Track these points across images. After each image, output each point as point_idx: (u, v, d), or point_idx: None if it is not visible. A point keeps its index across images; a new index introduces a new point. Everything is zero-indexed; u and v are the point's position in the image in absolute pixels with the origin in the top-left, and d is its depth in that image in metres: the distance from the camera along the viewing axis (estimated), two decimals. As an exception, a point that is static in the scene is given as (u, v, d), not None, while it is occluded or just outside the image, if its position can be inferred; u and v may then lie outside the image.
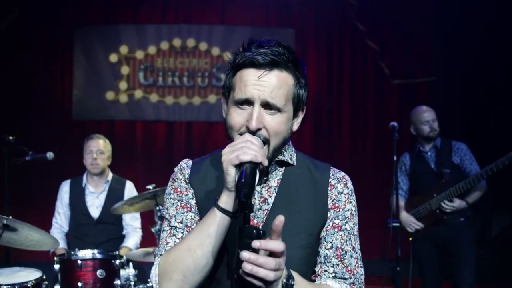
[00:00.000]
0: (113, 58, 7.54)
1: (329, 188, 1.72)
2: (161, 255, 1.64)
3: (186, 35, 7.62)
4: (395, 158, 3.93)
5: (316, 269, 1.69)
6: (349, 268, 1.66)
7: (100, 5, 7.50)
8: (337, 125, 7.70)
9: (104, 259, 3.63)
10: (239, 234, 1.41)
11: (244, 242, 1.38)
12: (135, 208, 4.25)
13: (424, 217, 4.48)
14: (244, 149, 1.45)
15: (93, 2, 7.45)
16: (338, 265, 1.65)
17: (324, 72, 7.61)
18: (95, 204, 4.70)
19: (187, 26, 7.63)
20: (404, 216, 4.54)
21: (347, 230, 1.69)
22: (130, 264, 3.76)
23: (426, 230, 4.48)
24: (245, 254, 1.31)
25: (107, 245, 4.49)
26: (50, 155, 4.24)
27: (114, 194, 4.71)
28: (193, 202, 1.71)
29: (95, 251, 3.67)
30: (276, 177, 1.71)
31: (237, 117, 1.60)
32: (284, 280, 1.45)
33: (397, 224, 3.58)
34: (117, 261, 3.64)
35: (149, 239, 4.59)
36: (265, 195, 1.67)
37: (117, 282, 3.61)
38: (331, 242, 1.67)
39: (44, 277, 3.45)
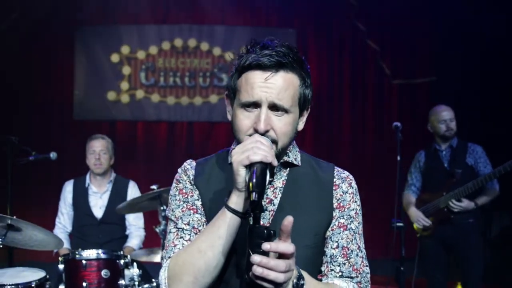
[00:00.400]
0: (115, 58, 7.54)
1: (334, 188, 1.73)
2: (169, 257, 1.64)
3: (187, 35, 7.62)
4: (398, 158, 3.94)
5: (322, 268, 1.70)
6: (355, 267, 1.67)
7: (101, 5, 7.49)
8: (337, 124, 7.71)
9: (109, 259, 3.62)
10: (249, 234, 1.41)
11: (255, 242, 1.38)
12: (140, 208, 4.25)
13: (432, 214, 4.51)
14: (254, 150, 1.46)
15: (94, 2, 7.44)
16: (344, 264, 1.67)
17: (325, 72, 7.61)
18: (98, 204, 4.70)
19: (188, 26, 7.63)
20: (413, 211, 4.59)
21: (352, 229, 1.71)
22: (135, 264, 3.75)
23: (434, 228, 4.50)
24: (256, 258, 1.31)
25: (110, 245, 4.49)
26: (53, 155, 4.24)
27: (117, 194, 4.72)
28: (198, 203, 1.71)
29: (100, 251, 3.66)
30: (281, 178, 1.72)
31: (244, 119, 1.60)
32: (295, 280, 1.46)
33: (401, 224, 3.58)
34: (122, 261, 3.63)
35: (154, 239, 4.60)
36: (270, 196, 1.68)
37: (122, 282, 3.59)
38: (337, 242, 1.69)
39: (47, 277, 3.44)
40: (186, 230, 1.67)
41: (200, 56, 7.65)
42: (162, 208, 3.97)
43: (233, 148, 1.75)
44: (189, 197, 1.72)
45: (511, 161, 4.02)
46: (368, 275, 1.71)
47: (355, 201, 1.74)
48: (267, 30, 7.44)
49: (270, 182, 1.68)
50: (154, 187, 3.99)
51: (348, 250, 1.68)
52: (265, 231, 1.39)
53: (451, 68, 7.15)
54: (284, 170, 1.73)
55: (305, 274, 1.51)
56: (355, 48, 7.69)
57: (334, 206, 1.71)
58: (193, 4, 7.59)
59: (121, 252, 3.72)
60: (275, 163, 1.48)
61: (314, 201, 1.70)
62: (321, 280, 1.69)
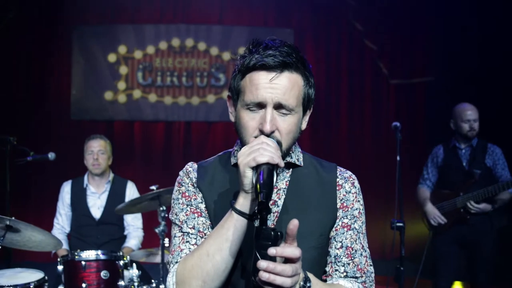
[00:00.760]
0: (112, 58, 7.52)
1: (337, 188, 1.73)
2: (176, 262, 1.63)
3: (185, 35, 7.60)
4: (398, 158, 3.93)
5: (327, 269, 1.70)
6: (359, 266, 1.68)
7: (98, 5, 7.46)
8: (335, 124, 7.71)
9: (108, 259, 3.61)
10: (256, 236, 1.40)
11: (262, 244, 1.37)
12: (139, 208, 4.23)
13: (447, 213, 4.53)
14: (260, 151, 1.45)
15: (91, 2, 7.42)
16: (349, 264, 1.67)
17: (322, 72, 7.61)
18: (96, 204, 4.68)
19: (186, 26, 7.61)
20: (430, 207, 4.62)
21: (356, 229, 1.71)
22: (134, 264, 3.74)
23: (447, 226, 4.51)
24: (262, 263, 1.30)
25: (108, 245, 4.49)
26: (52, 155, 4.23)
27: (116, 195, 4.71)
28: (202, 206, 1.70)
29: (99, 252, 3.65)
30: (284, 179, 1.71)
31: (249, 121, 1.59)
32: (302, 283, 1.46)
33: (401, 224, 3.58)
34: (121, 262, 3.63)
35: (153, 239, 4.59)
36: (274, 198, 1.67)
37: (121, 283, 3.59)
38: (341, 242, 1.69)
39: (46, 278, 3.43)
40: (191, 234, 1.66)
41: (198, 56, 7.63)
42: (161, 208, 3.95)
43: (236, 150, 1.75)
44: (192, 200, 1.70)
45: None
46: (373, 275, 1.72)
47: (358, 201, 1.74)
48: (264, 30, 7.43)
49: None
50: (153, 187, 3.97)
51: (352, 250, 1.68)
52: (272, 233, 1.38)
53: (449, 68, 7.16)
54: (287, 171, 1.72)
55: (311, 276, 1.51)
56: (352, 48, 7.69)
57: (338, 206, 1.71)
58: (191, 4, 7.58)
59: (120, 253, 3.71)
60: (282, 164, 1.47)
61: (318, 202, 1.69)
62: (325, 280, 1.69)
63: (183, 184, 1.74)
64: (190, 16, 7.63)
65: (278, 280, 1.31)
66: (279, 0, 7.56)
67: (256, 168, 1.45)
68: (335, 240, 1.69)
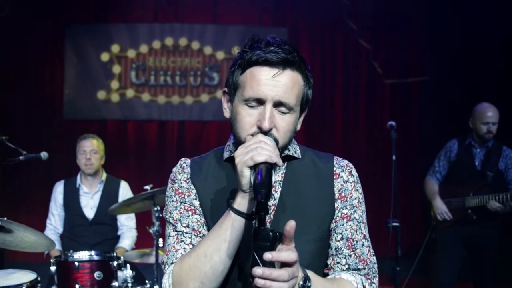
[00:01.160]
0: (105, 57, 7.47)
1: (334, 178, 1.70)
2: (172, 263, 1.59)
3: (178, 34, 7.57)
4: (394, 157, 3.92)
5: (328, 261, 1.67)
6: (361, 258, 1.65)
7: (91, 3, 7.43)
8: (329, 124, 7.70)
9: (102, 260, 3.56)
10: (254, 236, 1.38)
11: (260, 245, 1.35)
12: (133, 208, 4.20)
13: (453, 210, 4.52)
14: (258, 150, 1.42)
15: (84, 1, 7.38)
16: (350, 256, 1.64)
17: (317, 71, 7.59)
18: (89, 204, 4.65)
19: (179, 25, 7.58)
20: (440, 203, 4.59)
21: (356, 219, 1.68)
22: (128, 265, 3.71)
23: (451, 223, 4.50)
24: (258, 270, 1.28)
25: (102, 246, 4.45)
26: (44, 155, 4.17)
27: (109, 194, 4.67)
28: (196, 203, 1.66)
29: (92, 252, 3.61)
30: (279, 171, 1.68)
31: (247, 116, 1.56)
32: (301, 283, 1.43)
33: (396, 224, 3.56)
34: (115, 263, 3.58)
35: (147, 240, 4.55)
36: None
37: (115, 283, 3.55)
38: (341, 233, 1.66)
39: (39, 279, 3.39)
40: (186, 233, 1.62)
41: (191, 55, 7.60)
42: (155, 208, 3.92)
43: (229, 145, 1.72)
44: (186, 197, 1.66)
45: None
46: (376, 265, 1.68)
47: (357, 190, 1.71)
48: (259, 29, 7.41)
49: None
50: (147, 187, 3.94)
51: (353, 241, 1.65)
52: (271, 233, 1.36)
53: (443, 67, 7.17)
54: (282, 163, 1.68)
55: (311, 274, 1.48)
56: (347, 48, 7.69)
57: (336, 197, 1.68)
58: (184, 3, 7.55)
59: (114, 254, 3.67)
60: (280, 163, 1.44)
61: (315, 193, 1.66)
62: (327, 274, 1.66)
63: (176, 180, 1.70)
64: (184, 15, 7.61)
65: (274, 285, 1.28)
66: (274, -1, 7.55)
67: (254, 168, 1.42)
68: (335, 232, 1.66)
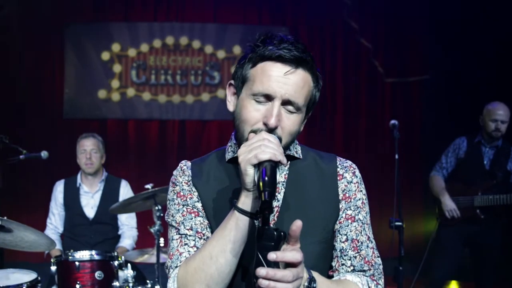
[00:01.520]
0: (105, 56, 7.44)
1: (338, 178, 1.68)
2: (176, 267, 1.56)
3: (179, 33, 7.54)
4: (396, 156, 3.89)
5: (333, 263, 1.65)
6: (366, 259, 1.63)
7: (91, 2, 7.40)
8: (330, 123, 7.68)
9: (103, 260, 3.55)
10: (258, 236, 1.35)
11: (264, 245, 1.33)
12: (134, 208, 4.18)
13: (461, 208, 4.48)
14: (262, 148, 1.39)
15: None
16: (355, 257, 1.62)
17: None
18: (90, 204, 4.63)
19: (180, 24, 7.55)
20: (448, 200, 4.56)
21: (360, 220, 1.66)
22: (129, 265, 3.68)
23: (457, 221, 4.47)
24: (262, 271, 1.25)
25: (102, 245, 4.44)
26: (44, 154, 4.15)
27: (109, 194, 4.66)
28: (199, 205, 1.64)
29: (93, 252, 3.59)
30: (282, 172, 1.66)
31: (253, 111, 1.53)
32: (306, 284, 1.41)
33: (399, 223, 3.54)
34: (116, 262, 3.57)
35: (148, 239, 4.53)
36: None
37: (116, 283, 3.53)
38: (346, 235, 1.64)
39: (39, 278, 3.37)
40: (189, 235, 1.60)
41: (192, 54, 7.57)
42: (156, 208, 3.89)
43: (230, 145, 1.70)
44: (188, 200, 1.64)
45: None
46: (381, 267, 1.67)
47: (361, 190, 1.69)
48: (259, 28, 7.35)
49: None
50: (148, 186, 3.92)
51: (358, 242, 1.63)
52: (275, 233, 1.34)
53: (445, 66, 7.15)
54: (285, 165, 1.67)
55: (316, 275, 1.46)
56: (347, 47, 7.66)
57: (340, 198, 1.66)
58: (185, 1, 7.53)
59: (115, 253, 3.65)
60: (284, 161, 1.41)
61: (319, 194, 1.64)
62: (332, 276, 1.64)
63: (177, 183, 1.68)
64: (184, 14, 7.58)
65: (278, 286, 1.26)
66: (274, -2, 7.53)
67: (258, 166, 1.39)
68: (339, 233, 1.64)
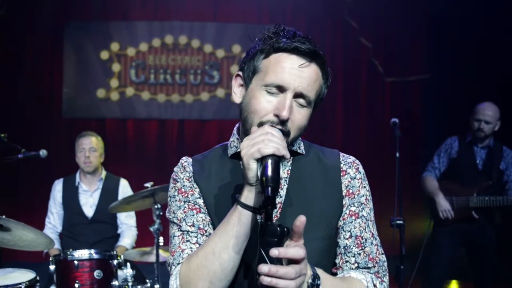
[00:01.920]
0: (104, 55, 7.41)
1: (341, 174, 1.66)
2: (178, 264, 1.54)
3: (178, 32, 7.52)
4: (397, 155, 3.88)
5: (337, 260, 1.63)
6: (371, 256, 1.60)
7: (90, 1, 7.37)
8: (330, 122, 7.66)
9: (102, 259, 3.52)
10: (261, 232, 1.33)
11: (267, 241, 1.31)
12: (133, 206, 4.15)
13: (455, 208, 4.47)
14: (265, 142, 1.37)
15: (83, -2, 7.35)
16: (359, 254, 1.60)
17: (317, 70, 7.56)
18: (89, 202, 4.60)
19: (179, 23, 7.53)
20: (443, 200, 4.54)
21: (364, 216, 1.63)
22: (128, 264, 3.67)
23: (451, 222, 4.46)
24: (264, 268, 1.23)
25: (101, 244, 4.41)
26: (43, 152, 4.13)
27: (108, 192, 4.63)
28: (200, 201, 1.61)
29: (92, 251, 3.57)
30: (285, 168, 1.64)
31: (264, 102, 1.51)
32: (310, 281, 1.38)
33: (400, 222, 3.52)
34: (115, 261, 3.54)
35: (147, 238, 4.51)
36: None
37: (115, 283, 3.50)
38: (349, 231, 1.61)
39: (38, 278, 3.34)
40: (191, 232, 1.57)
41: (191, 53, 7.55)
42: (156, 206, 3.87)
43: (233, 140, 1.68)
44: (189, 196, 1.62)
45: None
46: (385, 264, 1.64)
47: (364, 187, 1.67)
48: (259, 27, 7.29)
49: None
50: (147, 185, 3.89)
51: (362, 239, 1.61)
52: (278, 228, 1.32)
53: (445, 66, 7.14)
54: (288, 160, 1.65)
55: (320, 272, 1.43)
56: (348, 46, 7.64)
57: (344, 194, 1.64)
58: (184, 0, 7.50)
59: (114, 252, 3.63)
60: (288, 155, 1.39)
61: (322, 190, 1.62)
62: (336, 273, 1.61)
63: (178, 180, 1.65)
64: (183, 13, 7.55)
65: (281, 283, 1.24)
66: (274, -3, 7.51)
67: (261, 160, 1.36)
68: (343, 230, 1.62)
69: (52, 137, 7.08)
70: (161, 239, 3.85)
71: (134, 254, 4.16)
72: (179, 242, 1.57)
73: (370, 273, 1.59)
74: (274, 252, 1.24)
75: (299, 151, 1.67)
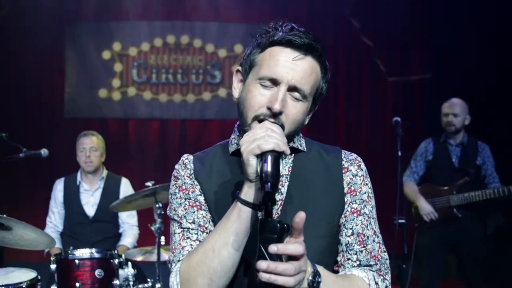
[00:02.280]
0: (106, 55, 7.43)
1: (343, 172, 1.64)
2: (178, 260, 1.53)
3: (180, 32, 7.52)
4: (399, 153, 3.86)
5: (338, 258, 1.61)
6: (373, 254, 1.58)
7: (92, 1, 7.38)
8: (332, 122, 7.66)
9: (103, 258, 3.52)
10: (261, 229, 1.32)
11: (267, 237, 1.29)
12: (134, 205, 4.15)
13: (437, 209, 4.47)
14: (265, 138, 1.36)
15: (85, -2, 7.35)
16: (361, 252, 1.58)
17: (319, 69, 7.55)
18: (90, 202, 4.60)
19: (181, 23, 7.53)
20: (424, 202, 4.56)
21: (366, 214, 1.61)
22: (129, 263, 3.65)
23: (436, 223, 4.45)
24: (262, 264, 1.22)
25: (103, 243, 4.40)
26: (44, 152, 4.12)
27: (110, 192, 4.62)
28: (201, 198, 1.60)
29: (93, 250, 3.56)
30: (286, 165, 1.62)
31: (258, 96, 1.50)
32: (310, 278, 1.36)
33: (403, 221, 3.51)
34: (116, 261, 3.53)
35: (149, 237, 4.50)
36: None
37: (116, 282, 3.49)
38: (351, 229, 1.59)
39: (39, 277, 3.34)
40: (192, 229, 1.56)
41: (193, 53, 7.55)
42: (157, 205, 3.86)
43: (234, 137, 1.66)
44: (190, 193, 1.60)
45: None
46: (388, 261, 1.62)
47: (366, 184, 1.65)
48: (260, 27, 7.33)
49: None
50: (149, 183, 3.88)
51: (364, 236, 1.58)
52: (278, 225, 1.30)
53: (447, 65, 7.13)
54: (289, 157, 1.63)
55: (321, 269, 1.41)
56: (349, 45, 7.64)
57: (345, 191, 1.62)
58: (186, 0, 7.50)
59: (115, 251, 3.62)
60: (288, 151, 1.38)
61: (324, 187, 1.60)
62: (338, 271, 1.59)
63: (179, 177, 1.64)
64: (185, 12, 7.56)
65: (280, 280, 1.23)
66: (275, -4, 7.50)
67: (261, 156, 1.35)
68: (345, 227, 1.60)
69: (54, 136, 7.08)
70: (162, 238, 3.84)
71: (135, 253, 4.16)
72: (180, 239, 1.57)
73: (372, 270, 1.56)
74: (273, 248, 1.23)
75: (300, 148, 1.65)
